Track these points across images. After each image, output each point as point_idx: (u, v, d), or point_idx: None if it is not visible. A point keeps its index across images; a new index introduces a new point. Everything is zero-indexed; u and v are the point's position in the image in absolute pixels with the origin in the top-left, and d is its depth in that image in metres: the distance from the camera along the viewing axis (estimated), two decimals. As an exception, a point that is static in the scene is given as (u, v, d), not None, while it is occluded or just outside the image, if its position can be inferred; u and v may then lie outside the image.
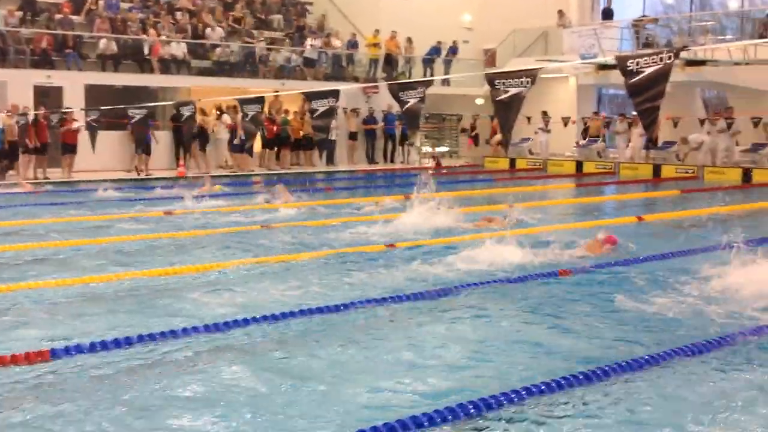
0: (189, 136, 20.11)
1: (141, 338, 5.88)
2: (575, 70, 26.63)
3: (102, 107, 18.69)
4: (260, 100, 13.76)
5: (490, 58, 30.66)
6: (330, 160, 24.97)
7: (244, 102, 14.02)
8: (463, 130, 29.67)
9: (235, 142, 22.22)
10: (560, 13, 28.52)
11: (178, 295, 7.46)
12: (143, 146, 21.17)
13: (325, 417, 4.60)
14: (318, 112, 12.05)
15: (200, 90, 23.17)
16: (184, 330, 6.09)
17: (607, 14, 26.70)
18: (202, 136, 21.84)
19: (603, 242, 9.52)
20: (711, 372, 5.33)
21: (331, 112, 12.58)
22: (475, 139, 28.53)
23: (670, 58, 7.82)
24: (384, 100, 24.58)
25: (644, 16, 27.19)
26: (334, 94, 12.18)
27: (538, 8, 29.17)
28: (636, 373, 5.21)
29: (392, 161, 26.80)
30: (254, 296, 7.45)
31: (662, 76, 7.89)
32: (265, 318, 6.42)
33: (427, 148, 28.55)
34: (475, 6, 32.23)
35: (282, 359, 5.64)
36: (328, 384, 5.12)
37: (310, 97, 12.35)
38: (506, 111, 9.77)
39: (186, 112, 15.86)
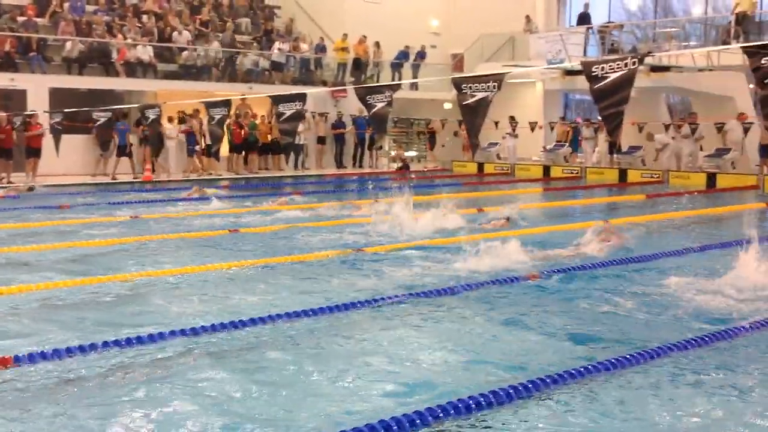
0: (154, 140, 19.94)
1: (106, 344, 5.80)
2: (542, 75, 26.85)
3: (66, 110, 18.49)
4: (226, 104, 13.70)
5: (458, 62, 30.82)
6: (300, 164, 24.96)
7: (210, 106, 13.94)
8: (420, 134, 29.75)
9: (196, 147, 22.02)
10: (527, 18, 28.79)
11: (144, 301, 7.38)
12: (119, 149, 21.01)
13: (295, 421, 4.59)
14: (285, 116, 12.01)
15: (167, 93, 23.00)
16: (150, 336, 6.02)
17: (584, 19, 26.90)
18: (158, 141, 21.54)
19: (611, 236, 10.18)
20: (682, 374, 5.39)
21: (298, 116, 12.56)
22: (432, 142, 28.51)
23: (634, 63, 7.91)
24: (352, 105, 24.58)
25: (610, 22, 27.49)
26: (302, 98, 12.16)
27: (505, 14, 29.41)
28: (599, 375, 5.25)
29: (361, 166, 26.80)
30: (224, 301, 7.40)
31: (627, 81, 7.98)
32: (233, 324, 6.37)
33: (393, 151, 28.54)
34: (442, 11, 32.42)
35: (253, 364, 5.60)
36: (297, 389, 5.11)
37: (277, 101, 12.31)
38: (473, 115, 9.82)
39: (151, 115, 15.75)
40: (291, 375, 5.40)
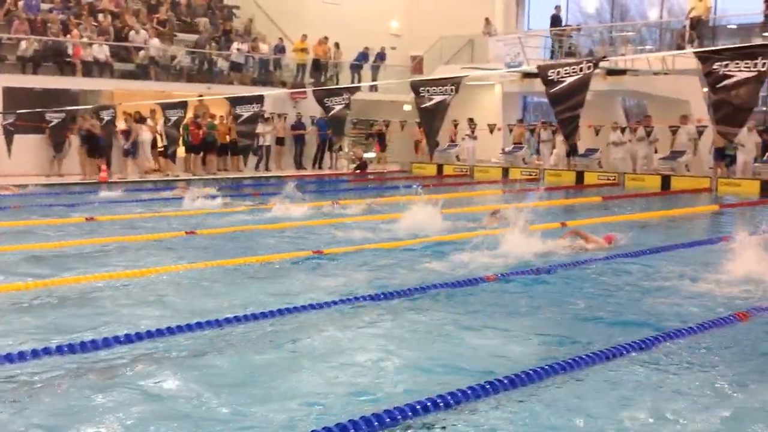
0: (109, 141, 19.68)
1: (60, 349, 5.70)
2: (501, 78, 27.04)
3: (20, 110, 18.16)
4: (182, 105, 13.55)
5: (418, 64, 30.92)
6: (263, 166, 24.99)
7: (166, 107, 13.78)
8: (369, 136, 29.79)
9: (126, 146, 21.78)
10: (486, 21, 28.98)
11: (99, 304, 7.26)
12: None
13: (253, 424, 4.56)
14: (243, 118, 11.92)
15: (124, 93, 22.73)
16: (105, 340, 5.93)
17: (556, 21, 27.10)
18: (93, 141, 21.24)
19: (604, 239, 10.59)
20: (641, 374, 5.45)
21: (255, 118, 12.49)
22: (382, 144, 28.54)
23: (589, 68, 7.99)
24: (312, 106, 24.43)
25: (567, 25, 27.79)
26: (259, 99, 12.08)
27: (465, 16, 29.58)
28: (555, 377, 5.29)
29: (320, 167, 26.74)
30: (180, 303, 7.32)
31: (582, 85, 8.05)
32: (189, 326, 6.31)
33: (351, 151, 28.48)
34: (402, 13, 32.49)
35: (209, 367, 5.54)
36: (254, 391, 5.07)
37: (234, 102, 12.21)
38: (431, 118, 9.84)
39: (106, 116, 15.54)
40: (248, 378, 5.35)
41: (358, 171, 25.69)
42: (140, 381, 5.22)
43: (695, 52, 7.34)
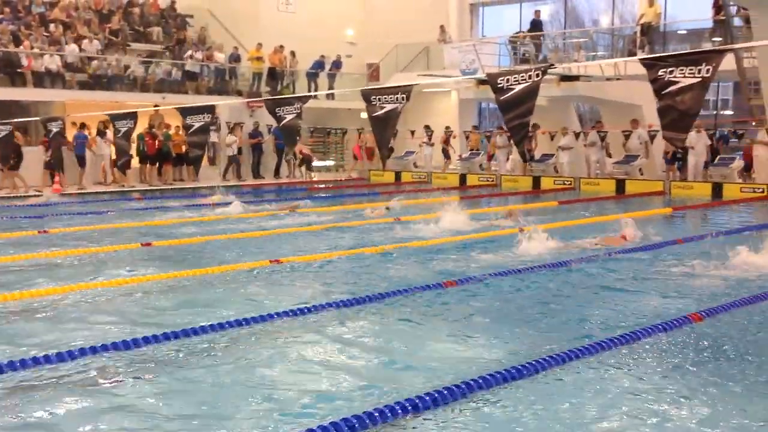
0: (58, 153, 19.37)
1: (12, 365, 5.60)
2: (457, 85, 27.18)
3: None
4: (132, 116, 13.38)
5: (374, 72, 30.99)
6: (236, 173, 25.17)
7: (115, 118, 13.60)
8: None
9: (46, 158, 21.42)
10: (441, 28, 29.13)
11: (53, 317, 7.15)
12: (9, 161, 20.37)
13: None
14: (193, 128, 11.82)
15: (76, 104, 22.42)
16: (59, 354, 5.83)
17: (536, 25, 27.29)
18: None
19: (620, 237, 11.05)
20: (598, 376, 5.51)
21: (207, 129, 12.39)
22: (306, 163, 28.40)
23: (538, 75, 8.07)
24: (269, 114, 24.37)
25: (520, 32, 28.05)
26: (210, 109, 11.98)
27: (419, 24, 29.70)
28: (518, 381, 5.32)
29: (277, 175, 26.62)
30: (135, 316, 7.23)
31: (531, 92, 8.13)
32: (146, 339, 6.23)
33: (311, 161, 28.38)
34: (357, 21, 32.54)
35: (172, 378, 5.49)
36: (217, 401, 5.03)
37: (184, 112, 12.10)
38: (382, 127, 9.85)
39: (54, 128, 15.31)
40: (211, 387, 5.32)
41: (304, 168, 25.63)
42: (97, 395, 5.15)
43: (641, 59, 7.45)
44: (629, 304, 7.70)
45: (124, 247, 11.14)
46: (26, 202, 18.37)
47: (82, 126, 21.35)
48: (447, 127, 27.06)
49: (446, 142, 26.72)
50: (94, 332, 6.62)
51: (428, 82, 24.21)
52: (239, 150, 25.47)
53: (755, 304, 7.59)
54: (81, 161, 21.65)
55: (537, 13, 27.65)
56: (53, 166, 21.04)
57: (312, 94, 21.90)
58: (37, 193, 20.08)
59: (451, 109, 29.95)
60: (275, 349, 6.20)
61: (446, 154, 26.69)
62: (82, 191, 20.75)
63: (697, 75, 6.64)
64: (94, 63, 24.13)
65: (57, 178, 20.93)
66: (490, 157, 25.79)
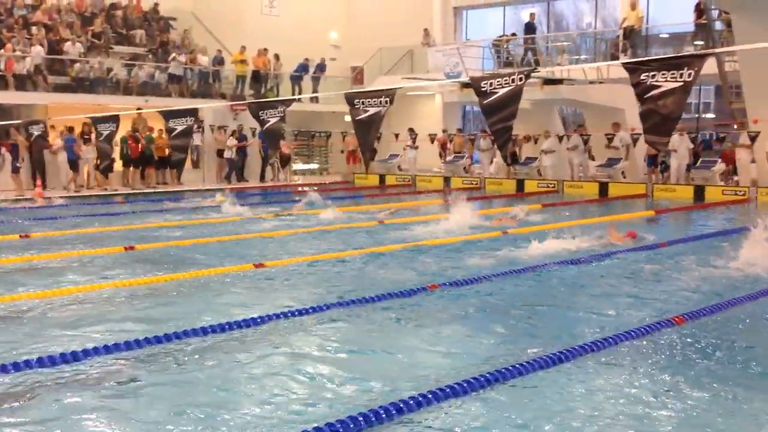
0: (39, 156, 19.22)
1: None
2: (441, 88, 27.24)
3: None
4: (114, 119, 13.30)
5: (358, 75, 31.00)
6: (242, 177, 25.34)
7: (97, 121, 13.52)
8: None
9: (17, 164, 21.27)
10: (425, 32, 29.18)
11: (32, 323, 7.10)
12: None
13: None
14: (176, 132, 11.76)
15: (59, 107, 22.27)
16: (39, 360, 5.79)
17: (531, 28, 27.35)
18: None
19: (625, 235, 11.55)
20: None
21: (189, 132, 12.35)
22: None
23: (521, 79, 8.09)
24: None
25: (504, 35, 28.13)
26: (192, 113, 11.94)
27: (404, 27, 29.76)
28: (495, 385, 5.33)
29: (262, 179, 26.55)
30: (115, 322, 7.18)
31: (514, 96, 8.15)
32: (127, 344, 6.20)
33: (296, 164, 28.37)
34: (342, 24, 32.56)
35: (147, 385, 5.45)
36: (194, 409, 5.00)
37: (167, 116, 12.04)
38: (366, 130, 9.86)
39: (35, 131, 15.20)
40: (196, 391, 5.29)
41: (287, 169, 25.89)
42: (80, 400, 5.12)
43: (623, 63, 7.49)
44: (610, 307, 7.73)
45: (107, 251, 11.07)
46: (10, 206, 18.22)
47: (71, 129, 21.17)
48: (444, 131, 27.17)
49: (444, 146, 26.79)
50: (77, 337, 6.58)
51: (412, 85, 24.25)
52: (220, 153, 25.41)
53: (738, 306, 7.64)
54: (73, 165, 21.48)
55: (532, 15, 27.70)
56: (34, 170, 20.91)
57: (296, 97, 21.89)
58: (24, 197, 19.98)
59: (435, 113, 30.01)
60: (257, 354, 6.17)
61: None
62: (67, 195, 20.60)
63: (679, 79, 6.68)
64: (77, 66, 23.99)
65: (39, 182, 20.78)
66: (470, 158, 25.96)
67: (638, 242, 11.52)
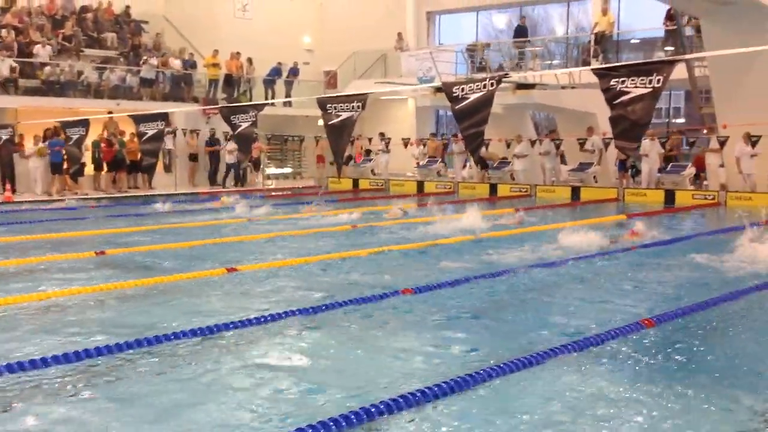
0: (8, 160, 19.00)
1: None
2: (414, 92, 27.28)
3: None
4: (84, 123, 13.17)
5: (331, 79, 30.98)
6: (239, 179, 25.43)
7: (67, 125, 13.39)
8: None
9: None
10: (399, 36, 29.25)
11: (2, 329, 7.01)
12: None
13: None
14: (147, 136, 11.68)
15: (28, 111, 22.04)
16: (8, 365, 5.70)
17: (521, 32, 27.42)
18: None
19: (630, 233, 12.54)
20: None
21: (160, 136, 12.27)
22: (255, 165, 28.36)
23: (492, 84, 8.13)
24: (226, 121, 24.20)
25: (477, 41, 28.28)
26: (163, 117, 11.85)
27: (377, 31, 29.80)
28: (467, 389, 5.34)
29: (243, 183, 26.39)
30: (85, 327, 7.10)
31: (486, 101, 8.18)
32: (98, 350, 6.13)
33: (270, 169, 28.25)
34: (314, 28, 32.53)
35: (115, 391, 5.40)
36: (157, 416, 4.98)
37: (137, 120, 11.96)
38: (338, 135, 9.85)
39: (4, 135, 15.03)
40: (166, 398, 5.24)
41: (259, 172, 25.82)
42: (48, 407, 5.06)
43: (593, 69, 7.55)
44: (581, 310, 7.79)
45: (77, 256, 10.96)
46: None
47: (57, 132, 20.87)
48: (442, 135, 27.27)
49: (442, 153, 26.86)
50: (46, 342, 6.50)
51: (385, 90, 24.27)
52: (193, 157, 25.28)
53: (709, 309, 7.72)
54: (57, 168, 21.24)
55: (523, 19, 27.83)
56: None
57: (267, 102, 21.81)
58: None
59: (409, 117, 30.07)
60: (227, 360, 6.13)
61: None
62: (36, 199, 20.38)
63: (648, 85, 6.75)
64: (47, 69, 23.76)
65: (8, 186, 20.56)
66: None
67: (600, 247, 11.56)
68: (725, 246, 11.81)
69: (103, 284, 8.89)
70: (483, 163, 24.28)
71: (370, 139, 26.98)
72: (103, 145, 22.53)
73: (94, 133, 21.91)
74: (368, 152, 27.66)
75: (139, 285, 8.89)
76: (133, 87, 25.56)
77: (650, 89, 6.74)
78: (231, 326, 6.95)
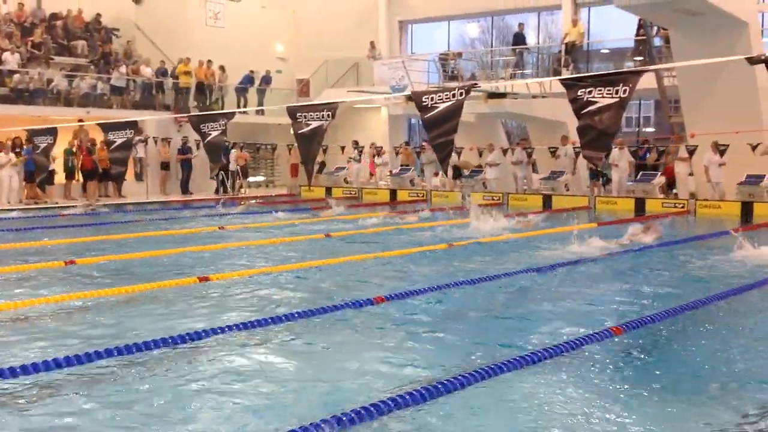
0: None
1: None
2: (386, 101, 27.34)
3: None
4: (52, 132, 13.04)
5: (304, 87, 30.97)
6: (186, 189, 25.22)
7: (34, 134, 13.24)
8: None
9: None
10: (371, 44, 29.30)
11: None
12: None
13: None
14: (115, 144, 11.59)
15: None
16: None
17: (519, 39, 27.50)
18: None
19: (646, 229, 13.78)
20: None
21: (129, 144, 12.17)
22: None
23: (461, 94, 8.17)
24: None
25: (449, 50, 28.42)
26: (132, 125, 11.77)
27: (349, 40, 29.85)
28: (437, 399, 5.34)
29: (225, 191, 26.29)
30: (55, 337, 7.03)
31: (455, 111, 8.22)
32: (67, 360, 6.05)
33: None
34: (287, 36, 32.50)
35: (83, 403, 5.34)
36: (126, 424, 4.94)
37: (106, 128, 11.86)
38: (308, 144, 9.84)
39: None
40: (137, 408, 5.20)
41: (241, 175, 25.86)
42: (18, 418, 5.01)
43: (560, 79, 7.62)
44: (552, 317, 7.83)
45: (47, 266, 10.84)
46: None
47: (29, 140, 20.65)
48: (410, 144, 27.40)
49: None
50: (15, 353, 6.43)
51: (358, 99, 24.31)
52: (164, 165, 25.13)
53: (677, 315, 7.79)
54: (30, 176, 21.11)
55: (521, 26, 27.95)
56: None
57: (237, 110, 21.73)
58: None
59: (382, 125, 30.12)
60: (198, 369, 6.11)
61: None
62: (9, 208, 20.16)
63: (614, 95, 6.82)
64: (16, 76, 23.52)
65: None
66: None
67: (567, 257, 11.63)
68: (694, 253, 11.97)
69: (73, 293, 8.78)
70: (456, 172, 24.38)
71: (342, 148, 26.96)
72: (83, 153, 22.37)
73: (64, 142, 21.76)
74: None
75: (109, 294, 8.80)
76: (104, 95, 25.37)
77: (617, 99, 6.81)
78: (202, 335, 6.90)
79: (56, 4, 28.04)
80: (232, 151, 26.04)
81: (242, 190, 26.51)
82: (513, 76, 26.05)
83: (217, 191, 25.87)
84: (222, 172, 25.57)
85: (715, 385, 5.77)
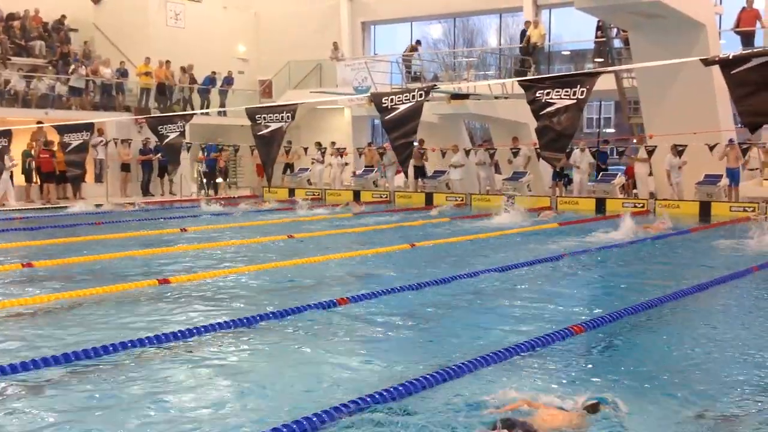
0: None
1: None
2: (350, 102, 27.30)
3: None
4: (6, 134, 12.82)
5: (266, 88, 30.84)
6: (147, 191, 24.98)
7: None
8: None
9: None
10: (335, 45, 29.26)
11: None
12: None
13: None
14: (71, 147, 11.42)
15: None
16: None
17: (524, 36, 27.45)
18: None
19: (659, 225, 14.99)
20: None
21: (84, 147, 12.01)
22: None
23: (421, 96, 8.18)
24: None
25: (414, 50, 28.44)
26: (89, 127, 11.61)
27: (312, 41, 29.80)
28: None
29: (171, 193, 26.06)
30: (14, 341, 6.91)
31: (415, 112, 8.23)
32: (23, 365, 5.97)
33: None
34: (249, 37, 32.34)
35: (44, 407, 5.26)
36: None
37: (61, 130, 11.68)
38: (267, 146, 9.78)
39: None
40: (98, 411, 5.13)
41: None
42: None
43: (519, 81, 7.66)
44: (513, 316, 7.87)
45: (3, 269, 10.66)
46: None
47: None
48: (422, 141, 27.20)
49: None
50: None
51: (319, 99, 24.25)
52: (125, 167, 24.86)
53: (637, 313, 7.87)
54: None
55: (527, 24, 27.90)
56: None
57: (196, 112, 21.60)
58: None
59: (345, 126, 30.08)
60: (160, 372, 6.04)
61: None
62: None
63: (572, 97, 6.87)
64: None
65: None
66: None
67: (531, 256, 11.73)
68: (654, 252, 12.10)
69: (30, 297, 8.65)
70: (421, 172, 24.45)
71: (305, 149, 26.88)
72: (47, 155, 22.06)
73: (21, 144, 21.43)
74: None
75: (68, 297, 8.67)
76: (63, 96, 25.01)
77: (574, 100, 6.86)
78: (162, 338, 6.83)
79: (14, 4, 27.58)
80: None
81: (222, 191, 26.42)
82: (476, 78, 26.17)
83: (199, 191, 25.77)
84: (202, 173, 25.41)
85: (675, 380, 5.84)
